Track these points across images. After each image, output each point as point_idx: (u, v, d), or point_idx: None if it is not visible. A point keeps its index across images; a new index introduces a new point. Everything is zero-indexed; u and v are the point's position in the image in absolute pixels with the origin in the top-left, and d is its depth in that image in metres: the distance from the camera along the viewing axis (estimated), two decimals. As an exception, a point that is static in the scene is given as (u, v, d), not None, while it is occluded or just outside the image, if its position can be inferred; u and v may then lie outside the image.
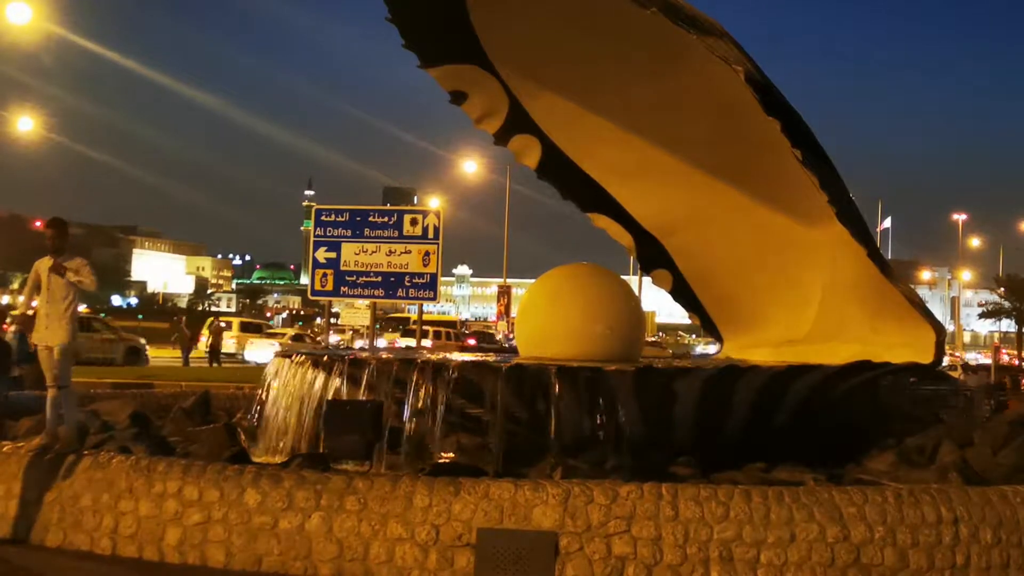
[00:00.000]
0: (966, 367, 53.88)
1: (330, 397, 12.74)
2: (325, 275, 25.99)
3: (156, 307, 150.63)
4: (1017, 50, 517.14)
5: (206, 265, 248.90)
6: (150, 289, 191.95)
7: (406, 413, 12.02)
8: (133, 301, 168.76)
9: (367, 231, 25.57)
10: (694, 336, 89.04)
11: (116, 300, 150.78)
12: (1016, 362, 68.52)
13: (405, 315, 73.15)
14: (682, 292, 16.88)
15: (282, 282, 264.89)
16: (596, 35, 14.03)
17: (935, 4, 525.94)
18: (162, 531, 9.45)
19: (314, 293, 26.97)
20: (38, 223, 50.88)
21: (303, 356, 13.75)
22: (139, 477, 9.71)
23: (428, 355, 14.33)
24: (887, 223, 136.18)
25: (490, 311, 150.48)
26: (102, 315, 58.44)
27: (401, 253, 25.41)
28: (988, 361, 65.23)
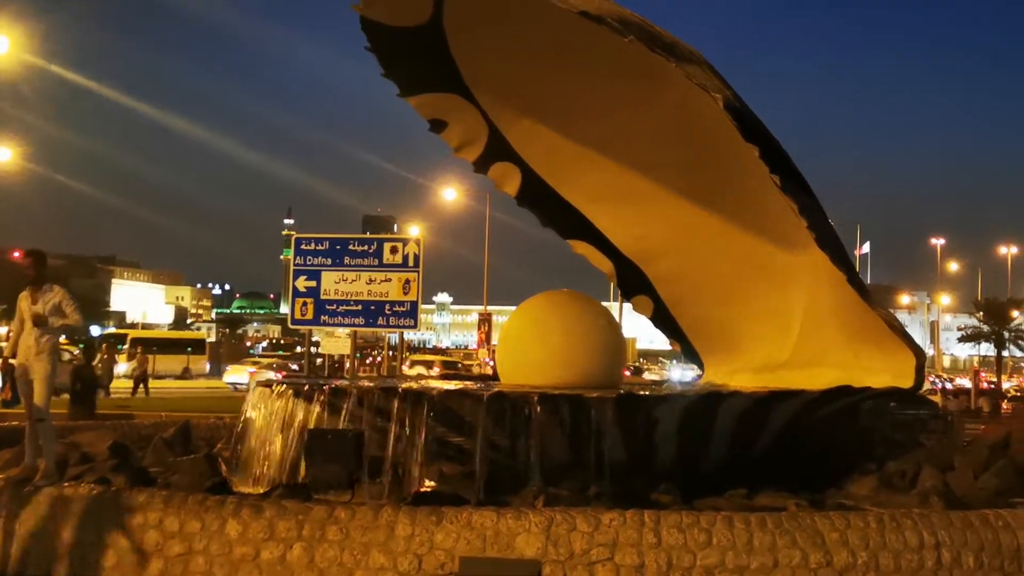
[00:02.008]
0: (945, 391, 54.09)
1: (311, 426, 12.70)
2: (305, 304, 25.95)
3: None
4: (993, 75, 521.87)
5: (185, 295, 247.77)
6: (129, 319, 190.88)
7: (388, 442, 11.98)
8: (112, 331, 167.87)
9: (347, 259, 25.57)
10: (674, 362, 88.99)
11: (95, 330, 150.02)
12: (988, 385, 68.69)
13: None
14: (663, 318, 16.90)
15: (262, 311, 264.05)
16: (575, 63, 14.10)
17: (911, 27, 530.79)
18: (144, 562, 9.39)
19: (294, 322, 26.89)
20: (16, 253, 50.52)
21: (284, 385, 13.70)
22: (119, 508, 9.65)
23: (409, 383, 14.29)
24: (866, 248, 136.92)
25: (471, 339, 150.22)
26: (80, 346, 58.12)
27: (381, 281, 25.41)
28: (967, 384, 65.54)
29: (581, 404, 11.68)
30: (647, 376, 71.07)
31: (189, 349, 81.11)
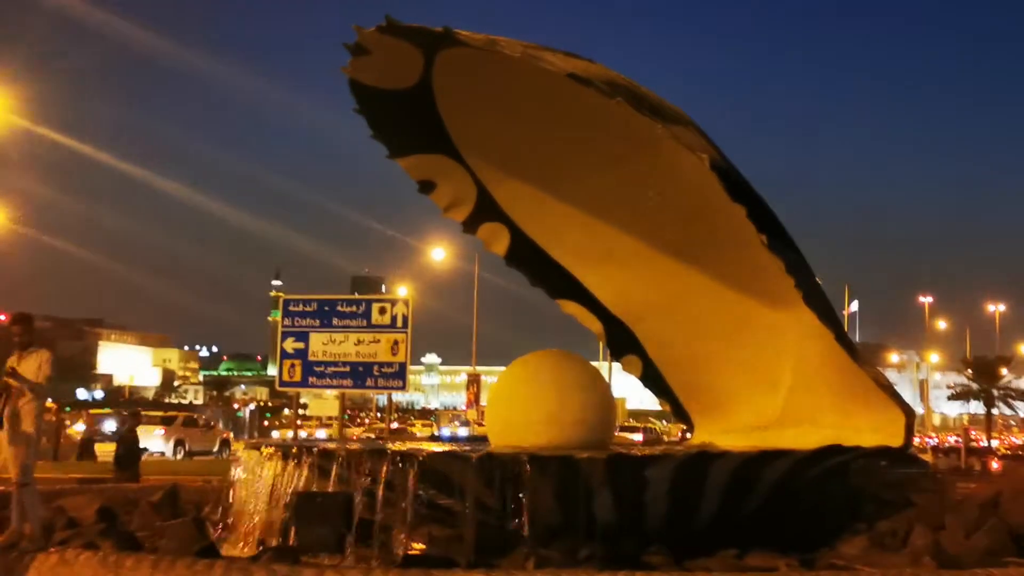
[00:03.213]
0: (936, 449, 54.13)
1: (300, 488, 12.63)
2: (293, 365, 25.94)
3: (123, 400, 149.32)
4: (975, 136, 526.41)
5: (172, 357, 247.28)
6: (116, 382, 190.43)
7: (376, 504, 11.92)
8: (99, 394, 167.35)
9: (335, 320, 25.59)
10: (664, 422, 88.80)
11: (82, 394, 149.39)
12: (979, 443, 68.76)
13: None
14: (652, 378, 16.89)
15: (249, 373, 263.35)
16: (563, 124, 14.20)
17: (894, 73, 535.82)
18: (130, 628, 9.29)
19: (282, 384, 26.88)
20: (2, 317, 50.40)
21: (272, 448, 13.64)
22: (107, 573, 9.56)
23: (397, 445, 14.23)
24: (854, 306, 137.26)
25: (460, 400, 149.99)
26: (67, 408, 57.89)
27: (370, 342, 25.41)
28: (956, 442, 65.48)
29: (571, 465, 11.64)
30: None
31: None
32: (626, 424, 72.51)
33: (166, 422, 56.61)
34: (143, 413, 43.51)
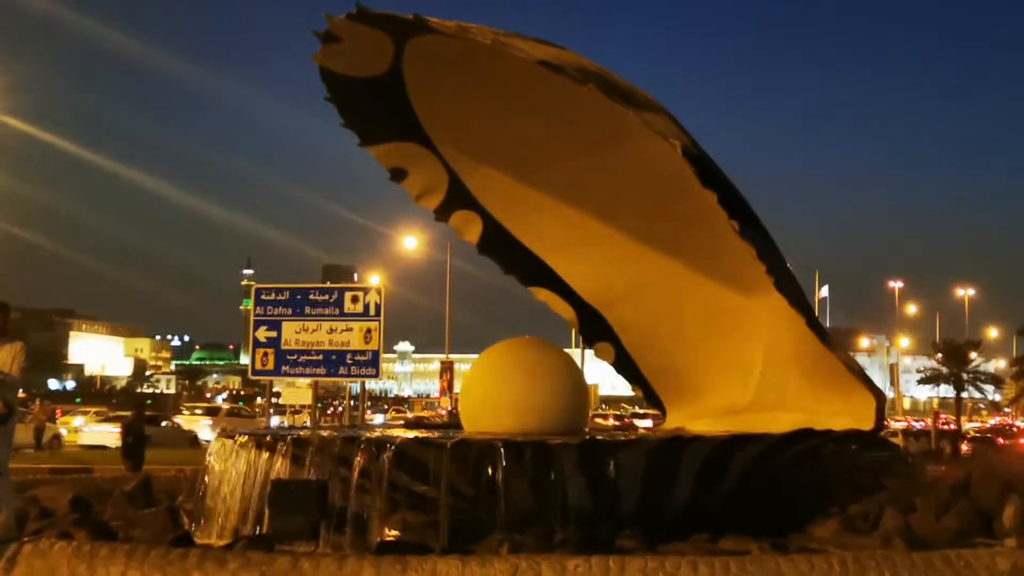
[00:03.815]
0: (907, 432, 54.46)
1: (274, 477, 12.62)
2: (266, 354, 25.79)
3: (94, 390, 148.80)
4: (949, 116, 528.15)
5: (144, 347, 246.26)
6: (88, 372, 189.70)
7: (351, 492, 11.93)
8: (70, 385, 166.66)
9: (308, 309, 25.45)
10: (637, 408, 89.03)
11: (53, 384, 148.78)
12: (950, 427, 69.27)
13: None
14: (624, 364, 16.94)
15: (222, 362, 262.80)
16: (534, 112, 14.22)
17: (861, 70, 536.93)
18: (104, 618, 9.28)
19: (255, 373, 26.73)
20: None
21: (246, 436, 13.63)
22: (81, 563, 9.54)
23: (371, 433, 14.24)
24: (825, 292, 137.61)
25: (433, 387, 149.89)
26: (38, 400, 57.61)
27: (342, 331, 25.30)
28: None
29: (545, 450, 11.69)
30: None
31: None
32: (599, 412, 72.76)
33: (211, 412, 57.41)
34: (184, 405, 44.05)
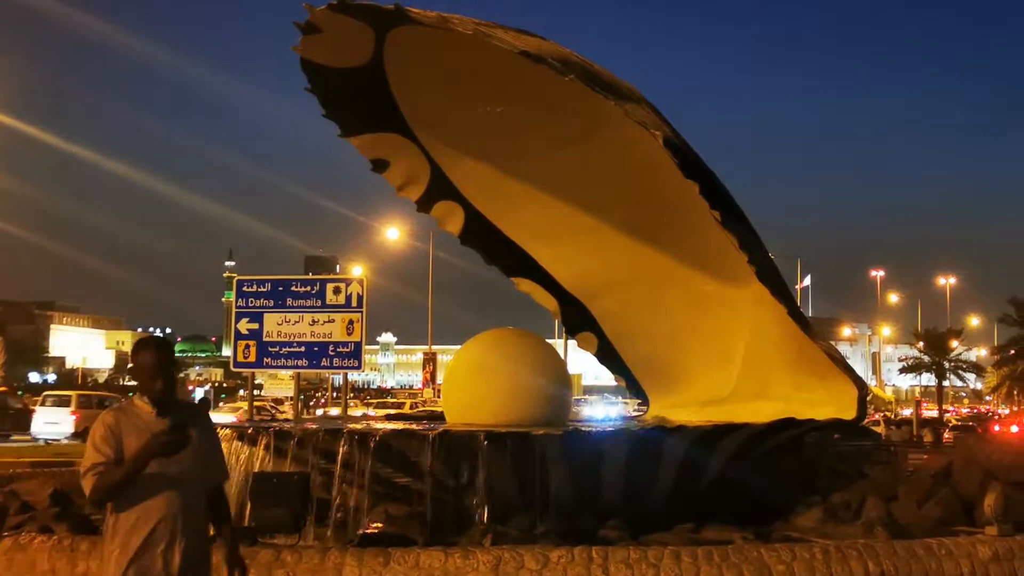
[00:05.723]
0: (889, 421, 54.67)
1: (256, 469, 12.58)
2: (248, 346, 25.74)
3: (76, 383, 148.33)
4: (931, 104, 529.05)
5: (126, 339, 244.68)
6: (69, 364, 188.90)
7: (333, 484, 11.91)
8: (51, 377, 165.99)
9: (289, 301, 25.41)
10: (620, 398, 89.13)
11: (34, 376, 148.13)
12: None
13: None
14: (607, 354, 16.95)
15: (204, 354, 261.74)
16: (515, 103, 14.20)
17: (846, 60, 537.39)
18: (86, 612, 9.25)
19: (236, 365, 26.66)
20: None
21: (227, 429, 13.58)
22: (61, 557, 9.52)
23: (353, 425, 14.21)
24: (807, 281, 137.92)
25: (416, 379, 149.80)
26: (19, 393, 57.44)
27: (324, 322, 25.28)
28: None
29: (527, 441, 11.68)
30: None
31: None
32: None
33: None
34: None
